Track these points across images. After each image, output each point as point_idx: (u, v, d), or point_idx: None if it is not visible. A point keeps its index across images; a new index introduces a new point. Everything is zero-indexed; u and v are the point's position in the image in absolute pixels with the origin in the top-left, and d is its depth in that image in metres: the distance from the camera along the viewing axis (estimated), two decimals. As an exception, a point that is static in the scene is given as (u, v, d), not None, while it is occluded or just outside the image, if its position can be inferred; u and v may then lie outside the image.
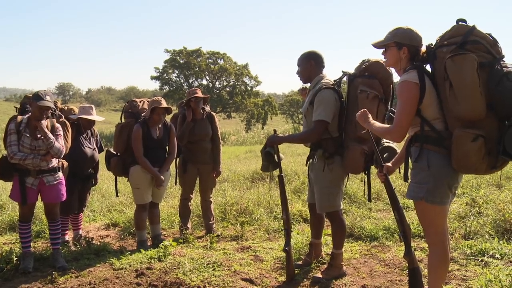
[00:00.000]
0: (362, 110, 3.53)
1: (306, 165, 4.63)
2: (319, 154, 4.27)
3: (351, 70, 4.28)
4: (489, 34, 3.03)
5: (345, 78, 4.33)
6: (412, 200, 3.43)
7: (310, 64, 4.40)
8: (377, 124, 3.41)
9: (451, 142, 2.99)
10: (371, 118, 3.47)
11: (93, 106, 5.93)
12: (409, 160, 3.31)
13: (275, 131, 4.45)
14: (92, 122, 5.82)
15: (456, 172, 3.09)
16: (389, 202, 3.84)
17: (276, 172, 4.41)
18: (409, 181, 3.32)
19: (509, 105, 2.88)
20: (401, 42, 3.25)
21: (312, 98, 4.25)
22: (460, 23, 3.10)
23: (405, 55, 3.26)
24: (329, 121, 4.14)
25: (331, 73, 4.45)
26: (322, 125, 4.14)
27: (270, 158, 4.32)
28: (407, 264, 3.70)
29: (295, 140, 4.42)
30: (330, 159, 4.23)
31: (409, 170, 3.33)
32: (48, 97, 4.73)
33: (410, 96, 3.09)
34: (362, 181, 4.65)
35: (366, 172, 4.33)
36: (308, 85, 4.63)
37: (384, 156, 4.05)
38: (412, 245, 3.60)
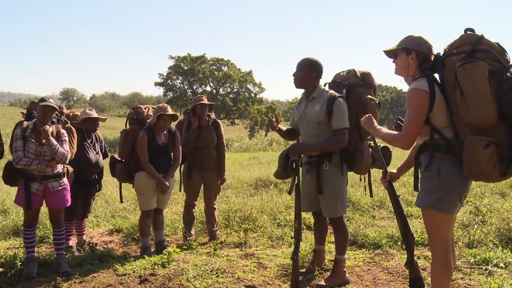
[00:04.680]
0: (367, 115, 3.57)
1: (306, 173, 4.55)
2: (335, 161, 4.31)
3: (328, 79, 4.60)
4: (497, 43, 3.05)
5: (327, 87, 4.48)
6: (417, 208, 3.43)
7: (312, 75, 4.42)
8: (384, 130, 3.42)
9: (462, 150, 2.98)
10: (376, 123, 3.49)
11: (92, 109, 5.98)
12: (419, 169, 3.30)
13: (298, 139, 4.47)
14: (96, 124, 5.85)
15: (466, 180, 3.09)
16: (392, 209, 3.84)
17: (284, 180, 4.44)
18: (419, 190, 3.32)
19: None
20: (409, 47, 3.26)
21: (328, 106, 4.26)
22: (468, 32, 3.11)
23: (413, 61, 3.26)
24: (349, 127, 4.28)
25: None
26: (347, 131, 4.26)
27: (292, 166, 4.35)
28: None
29: (323, 149, 4.36)
30: (342, 164, 4.33)
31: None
32: (51, 100, 4.79)
33: (420, 104, 3.09)
34: (360, 180, 4.81)
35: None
36: (302, 91, 4.63)
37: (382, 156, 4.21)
38: (415, 253, 3.58)
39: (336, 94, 4.33)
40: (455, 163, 3.05)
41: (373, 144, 4.14)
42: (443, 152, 3.10)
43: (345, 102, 4.29)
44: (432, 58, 3.26)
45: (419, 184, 3.28)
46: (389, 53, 3.43)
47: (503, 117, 2.93)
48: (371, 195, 4.87)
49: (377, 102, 4.37)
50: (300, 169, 4.60)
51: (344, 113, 4.24)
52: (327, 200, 4.37)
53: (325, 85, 4.50)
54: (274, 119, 4.75)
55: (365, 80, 4.43)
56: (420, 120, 3.12)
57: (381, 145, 4.25)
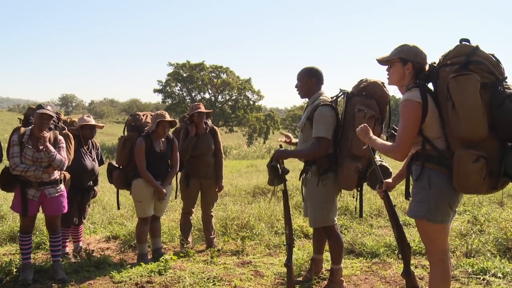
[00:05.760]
0: (362, 125, 3.52)
1: (299, 180, 4.65)
2: (313, 170, 4.30)
3: (349, 88, 4.37)
4: (492, 55, 3.03)
5: (341, 96, 4.37)
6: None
7: (311, 81, 4.44)
8: (379, 140, 3.39)
9: (453, 162, 2.99)
10: (371, 133, 3.46)
11: (90, 115, 5.98)
12: (410, 178, 3.30)
13: (281, 145, 4.47)
14: (94, 131, 5.83)
15: (456, 191, 3.08)
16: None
17: (280, 187, 4.40)
18: (410, 199, 3.31)
19: (511, 126, 2.89)
20: (406, 58, 3.24)
21: (311, 114, 4.28)
22: (464, 42, 3.10)
23: (409, 71, 3.25)
24: (329, 138, 4.19)
25: (329, 90, 4.51)
26: (325, 142, 4.17)
27: (275, 172, 4.32)
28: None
29: (300, 156, 4.44)
30: (324, 175, 4.28)
31: (410, 188, 3.32)
32: (49, 107, 4.79)
33: (412, 115, 3.09)
34: (353, 197, 4.61)
35: (359, 188, 4.38)
36: (306, 100, 4.66)
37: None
38: (412, 262, 3.56)
39: (324, 102, 4.29)
40: (446, 174, 3.04)
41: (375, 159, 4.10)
42: (434, 163, 3.10)
43: (330, 111, 4.23)
44: (427, 67, 3.26)
45: (410, 193, 3.28)
46: (383, 61, 3.42)
47: (495, 131, 2.93)
48: (361, 215, 4.63)
49: (366, 114, 4.03)
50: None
51: (322, 122, 4.18)
52: (309, 209, 4.41)
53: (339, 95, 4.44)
54: (286, 138, 4.78)
55: (368, 89, 4.18)
56: (413, 131, 3.11)
57: (379, 163, 4.19)
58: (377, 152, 4.24)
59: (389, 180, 3.64)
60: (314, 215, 4.35)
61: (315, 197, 4.33)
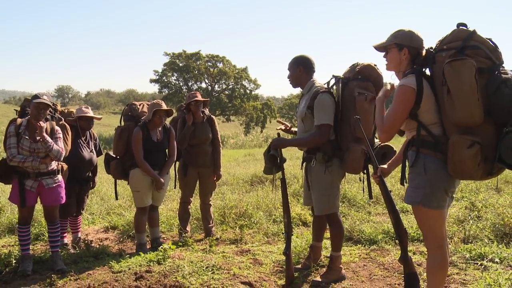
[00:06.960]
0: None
1: (301, 169, 4.64)
2: (318, 158, 4.28)
3: (340, 74, 4.40)
4: (490, 39, 3.01)
5: (333, 81, 4.39)
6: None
7: (299, 70, 4.42)
8: (383, 112, 3.32)
9: (447, 148, 2.98)
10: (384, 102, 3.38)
11: (88, 106, 5.96)
12: (407, 164, 3.30)
13: (279, 134, 4.45)
14: (91, 122, 5.82)
15: (452, 177, 3.08)
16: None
17: (278, 175, 4.41)
18: (406, 185, 3.31)
19: (506, 112, 2.87)
20: (401, 43, 3.23)
21: (310, 102, 4.26)
22: (461, 27, 3.08)
23: (406, 56, 3.24)
24: (332, 124, 4.18)
25: (326, 78, 4.49)
26: (326, 128, 4.18)
27: (274, 161, 4.31)
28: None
29: (301, 144, 4.43)
30: (330, 161, 4.26)
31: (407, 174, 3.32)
32: (45, 97, 4.77)
33: (404, 100, 3.08)
34: (361, 180, 4.59)
35: (365, 171, 4.39)
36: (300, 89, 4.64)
37: (384, 155, 4.15)
38: (410, 248, 3.56)
39: (322, 89, 4.28)
40: (442, 159, 3.04)
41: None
42: (430, 148, 3.09)
43: (330, 98, 4.22)
44: (424, 52, 3.24)
45: (406, 179, 3.28)
46: (380, 48, 3.41)
47: (490, 116, 2.92)
48: (370, 197, 4.65)
49: (367, 97, 4.07)
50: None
51: (324, 109, 4.17)
52: (314, 196, 4.39)
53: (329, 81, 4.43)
54: (284, 127, 4.78)
55: (363, 73, 4.22)
56: (402, 116, 3.11)
57: (383, 143, 4.19)
58: (376, 135, 4.27)
59: (384, 166, 3.63)
60: (320, 203, 4.35)
61: (321, 185, 4.32)
